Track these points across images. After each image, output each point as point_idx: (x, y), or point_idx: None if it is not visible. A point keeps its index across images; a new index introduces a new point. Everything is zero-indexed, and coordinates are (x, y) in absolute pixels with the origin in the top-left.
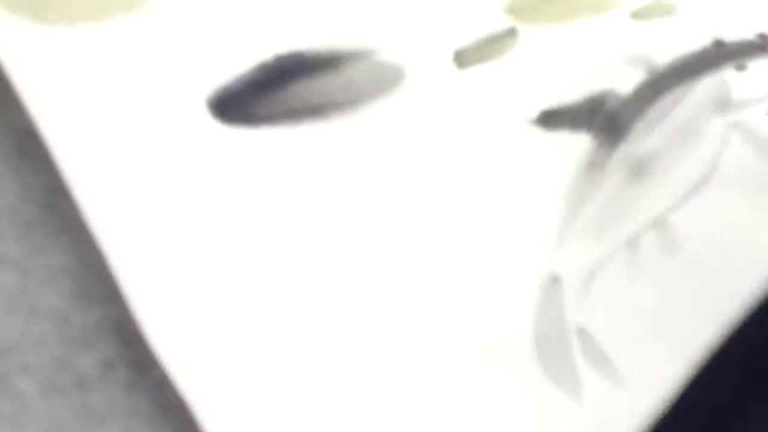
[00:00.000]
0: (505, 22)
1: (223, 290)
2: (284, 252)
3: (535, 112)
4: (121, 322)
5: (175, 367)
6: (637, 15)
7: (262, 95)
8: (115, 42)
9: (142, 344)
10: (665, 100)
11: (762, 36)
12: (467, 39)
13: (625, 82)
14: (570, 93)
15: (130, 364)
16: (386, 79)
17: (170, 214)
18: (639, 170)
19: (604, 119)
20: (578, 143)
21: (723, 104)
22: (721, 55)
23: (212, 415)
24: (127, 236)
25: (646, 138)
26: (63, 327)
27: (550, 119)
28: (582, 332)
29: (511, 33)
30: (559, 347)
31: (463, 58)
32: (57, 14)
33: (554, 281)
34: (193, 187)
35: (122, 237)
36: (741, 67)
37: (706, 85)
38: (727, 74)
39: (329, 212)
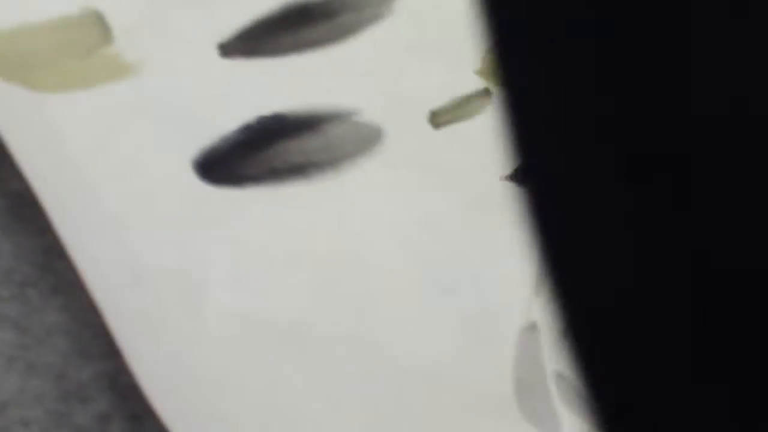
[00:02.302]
0: (478, 83)
1: (216, 343)
2: (270, 306)
3: (508, 169)
4: (116, 376)
5: (171, 420)
6: None
7: (246, 156)
8: (106, 107)
9: (137, 398)
10: None
11: None
12: (442, 100)
13: None
14: None
15: (126, 417)
16: (366, 139)
17: (162, 270)
18: None
19: None
20: None
21: None
22: None
23: None
24: (122, 293)
25: None
26: (60, 382)
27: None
28: (560, 377)
29: (484, 93)
30: (538, 391)
31: (438, 119)
32: (50, 81)
33: (532, 329)
34: (183, 245)
35: (118, 294)
36: None
37: None
38: None
39: (314, 269)
